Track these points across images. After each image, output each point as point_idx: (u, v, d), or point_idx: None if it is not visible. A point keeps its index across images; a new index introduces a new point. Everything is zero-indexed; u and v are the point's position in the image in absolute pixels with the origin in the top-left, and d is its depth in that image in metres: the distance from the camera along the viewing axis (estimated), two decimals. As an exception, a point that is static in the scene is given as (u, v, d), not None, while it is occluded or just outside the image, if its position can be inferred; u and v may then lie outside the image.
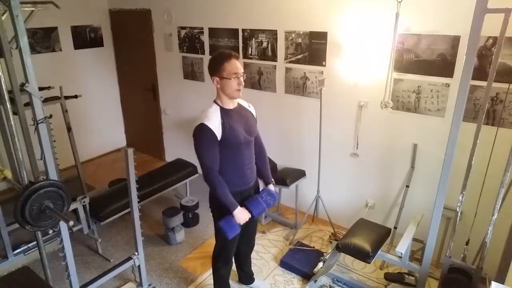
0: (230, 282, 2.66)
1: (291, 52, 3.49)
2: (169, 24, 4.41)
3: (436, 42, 2.69)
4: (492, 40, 2.45)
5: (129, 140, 5.70)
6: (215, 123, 2.06)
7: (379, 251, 2.54)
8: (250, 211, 2.21)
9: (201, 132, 2.06)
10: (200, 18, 4.10)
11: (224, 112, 2.13)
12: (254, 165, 2.35)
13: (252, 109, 2.36)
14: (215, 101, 2.17)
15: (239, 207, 2.17)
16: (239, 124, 2.16)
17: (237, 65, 2.07)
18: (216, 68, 2.08)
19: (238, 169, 2.22)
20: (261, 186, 2.46)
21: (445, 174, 2.18)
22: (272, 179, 2.49)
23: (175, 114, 4.86)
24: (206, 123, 2.05)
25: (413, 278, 2.78)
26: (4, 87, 2.40)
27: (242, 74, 2.10)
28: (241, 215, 2.18)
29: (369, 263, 2.47)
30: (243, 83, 2.12)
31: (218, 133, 2.06)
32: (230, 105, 2.17)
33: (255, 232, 2.69)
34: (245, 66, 3.83)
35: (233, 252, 2.49)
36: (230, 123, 2.11)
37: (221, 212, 2.23)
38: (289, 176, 3.42)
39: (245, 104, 2.33)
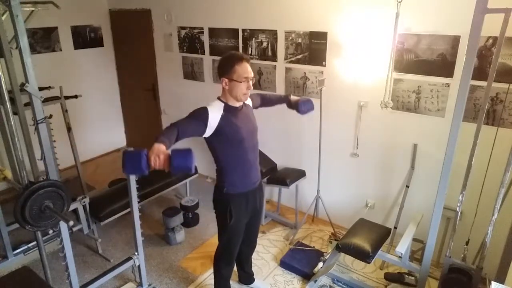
0: (230, 282, 2.65)
1: (291, 52, 3.49)
2: (169, 24, 4.40)
3: (436, 42, 2.69)
4: (492, 40, 2.45)
5: (129, 140, 5.69)
6: (214, 113, 2.05)
7: (379, 251, 2.54)
8: (171, 159, 1.69)
9: (197, 109, 2.05)
10: (200, 18, 4.10)
11: (229, 108, 2.12)
12: (258, 167, 2.35)
13: (249, 101, 2.35)
14: (219, 98, 2.16)
15: (163, 145, 1.72)
16: (242, 122, 2.15)
17: (247, 69, 2.06)
18: (226, 70, 2.07)
19: (242, 168, 2.22)
20: None
21: (445, 174, 2.18)
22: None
23: (175, 114, 4.84)
24: (207, 107, 2.06)
25: (413, 278, 2.78)
26: (4, 87, 2.40)
27: (252, 78, 2.09)
28: (157, 151, 1.67)
29: (369, 263, 2.48)
30: (252, 87, 2.12)
31: (214, 122, 2.04)
32: (236, 103, 2.16)
33: (258, 232, 2.69)
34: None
35: (236, 253, 2.48)
36: (232, 118, 2.10)
37: (225, 211, 2.22)
38: (289, 176, 3.42)
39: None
